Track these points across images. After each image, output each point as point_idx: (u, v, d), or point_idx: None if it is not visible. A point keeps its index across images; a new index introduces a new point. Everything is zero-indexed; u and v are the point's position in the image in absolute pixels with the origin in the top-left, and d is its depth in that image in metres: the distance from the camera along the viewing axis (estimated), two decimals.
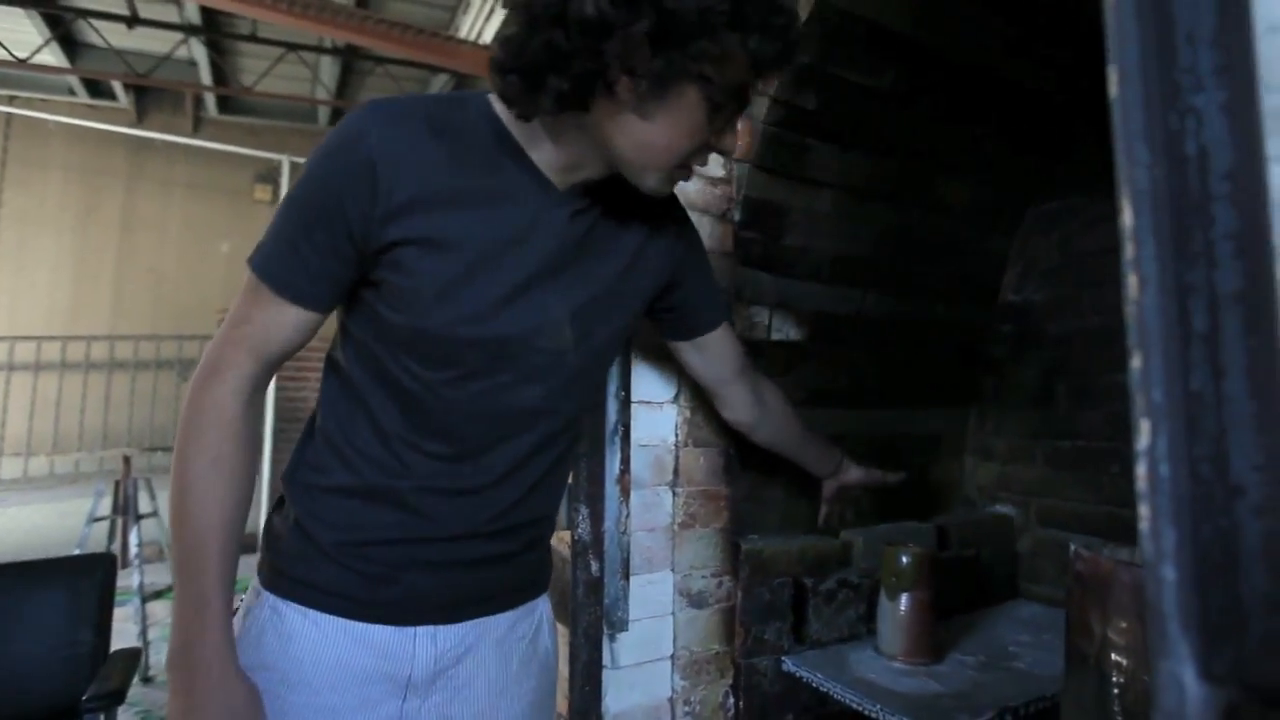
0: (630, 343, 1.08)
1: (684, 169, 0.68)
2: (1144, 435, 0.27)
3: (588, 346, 0.72)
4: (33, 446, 5.63)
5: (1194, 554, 0.25)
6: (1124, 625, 0.76)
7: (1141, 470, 0.27)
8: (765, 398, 1.00)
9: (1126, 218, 0.29)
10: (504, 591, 0.77)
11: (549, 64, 0.59)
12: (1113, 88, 0.30)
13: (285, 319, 0.66)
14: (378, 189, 0.62)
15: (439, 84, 6.19)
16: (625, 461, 1.05)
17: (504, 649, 0.76)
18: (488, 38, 4.64)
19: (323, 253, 0.64)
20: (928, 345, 1.64)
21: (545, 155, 0.68)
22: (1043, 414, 1.67)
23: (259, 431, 0.70)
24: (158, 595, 3.82)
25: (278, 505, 0.75)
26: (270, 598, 0.70)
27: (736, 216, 1.23)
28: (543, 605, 0.83)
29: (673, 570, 1.12)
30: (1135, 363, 0.28)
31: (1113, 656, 0.77)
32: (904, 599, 1.17)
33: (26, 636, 1.41)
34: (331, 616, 0.68)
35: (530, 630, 0.79)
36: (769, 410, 1.00)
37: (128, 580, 3.46)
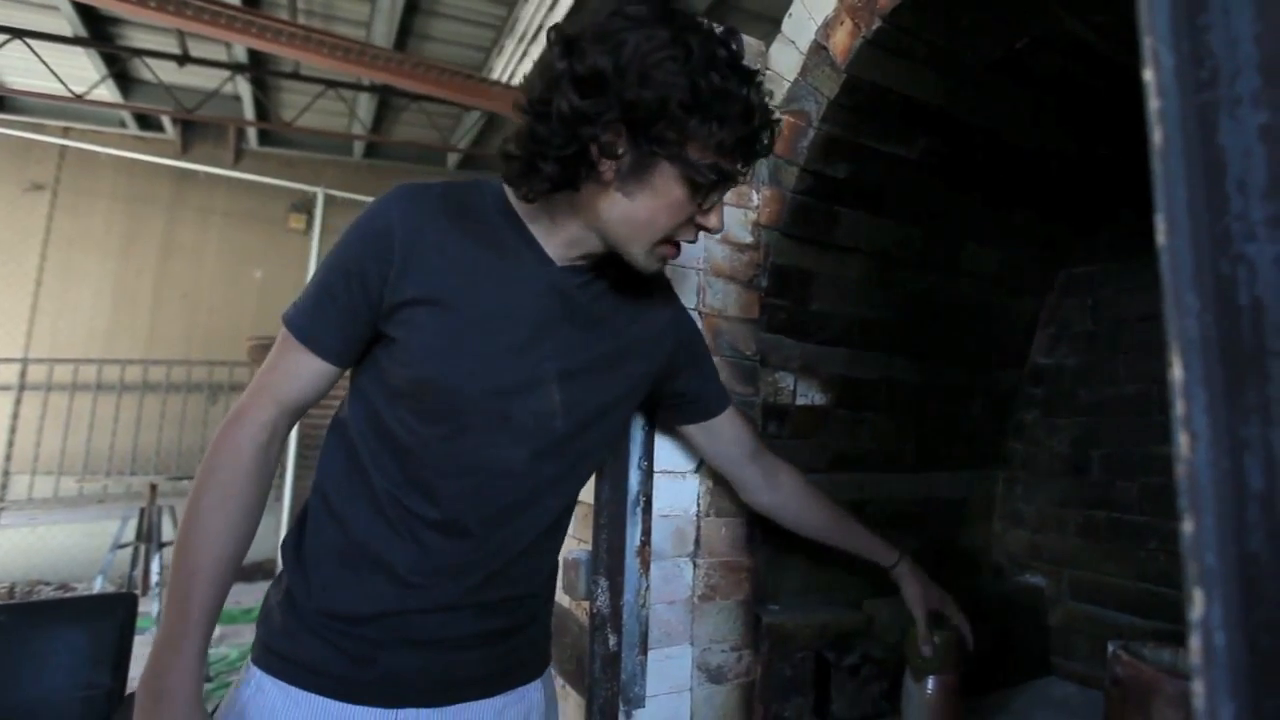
0: (654, 413, 1.07)
1: (669, 244, 0.74)
2: (1197, 605, 0.25)
3: (575, 415, 0.76)
4: (64, 466, 5.74)
5: None
6: None
7: (1196, 642, 0.25)
8: (781, 479, 1.01)
9: (1177, 371, 0.28)
10: (490, 675, 0.76)
11: (540, 151, 0.68)
12: (1161, 235, 0.29)
13: (304, 368, 0.73)
14: (394, 253, 0.70)
15: (470, 120, 6.36)
16: (646, 533, 1.04)
17: None
18: (519, 79, 4.76)
19: (343, 310, 0.72)
20: (955, 408, 1.61)
21: (545, 232, 0.76)
22: (1075, 482, 1.62)
23: (270, 474, 0.75)
24: None
25: (276, 581, 0.77)
26: (257, 673, 0.71)
27: (763, 283, 1.23)
28: (534, 693, 0.80)
29: (692, 644, 1.09)
30: (1188, 526, 0.27)
31: None
32: (930, 682, 1.12)
33: (45, 678, 1.41)
34: (313, 695, 0.69)
35: (519, 719, 0.78)
36: (786, 492, 1.01)
37: (147, 607, 3.48)
